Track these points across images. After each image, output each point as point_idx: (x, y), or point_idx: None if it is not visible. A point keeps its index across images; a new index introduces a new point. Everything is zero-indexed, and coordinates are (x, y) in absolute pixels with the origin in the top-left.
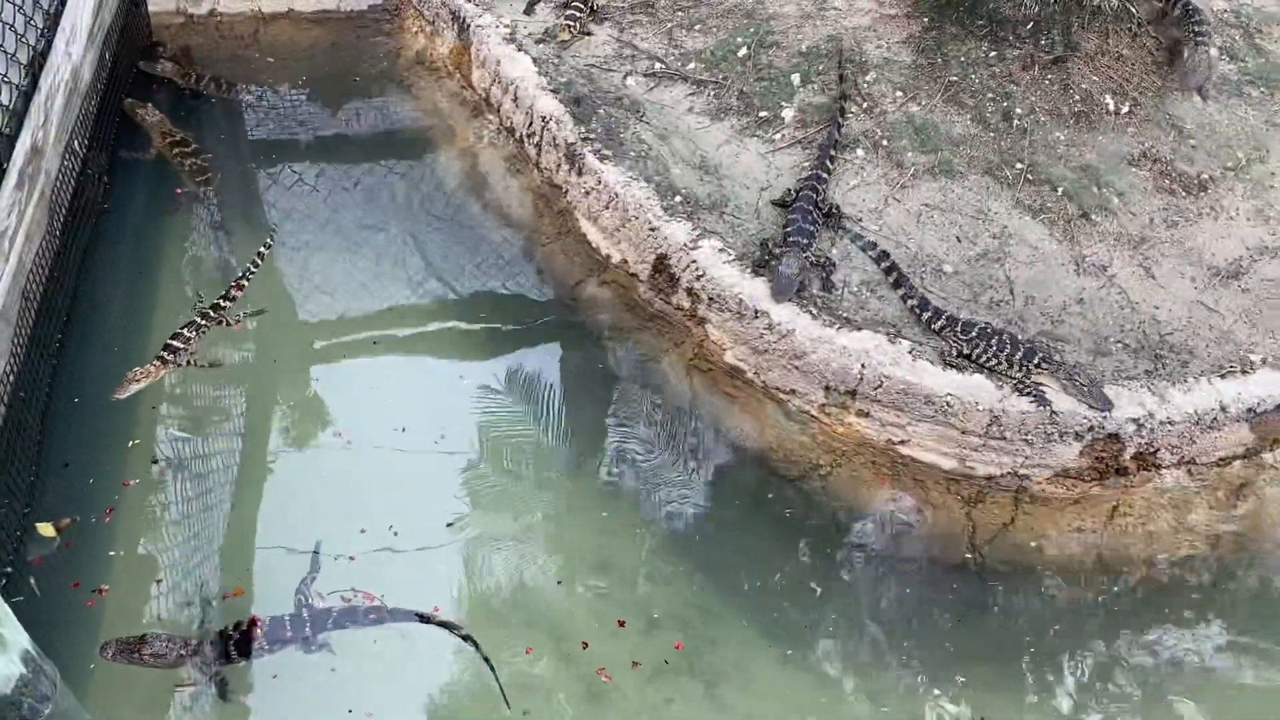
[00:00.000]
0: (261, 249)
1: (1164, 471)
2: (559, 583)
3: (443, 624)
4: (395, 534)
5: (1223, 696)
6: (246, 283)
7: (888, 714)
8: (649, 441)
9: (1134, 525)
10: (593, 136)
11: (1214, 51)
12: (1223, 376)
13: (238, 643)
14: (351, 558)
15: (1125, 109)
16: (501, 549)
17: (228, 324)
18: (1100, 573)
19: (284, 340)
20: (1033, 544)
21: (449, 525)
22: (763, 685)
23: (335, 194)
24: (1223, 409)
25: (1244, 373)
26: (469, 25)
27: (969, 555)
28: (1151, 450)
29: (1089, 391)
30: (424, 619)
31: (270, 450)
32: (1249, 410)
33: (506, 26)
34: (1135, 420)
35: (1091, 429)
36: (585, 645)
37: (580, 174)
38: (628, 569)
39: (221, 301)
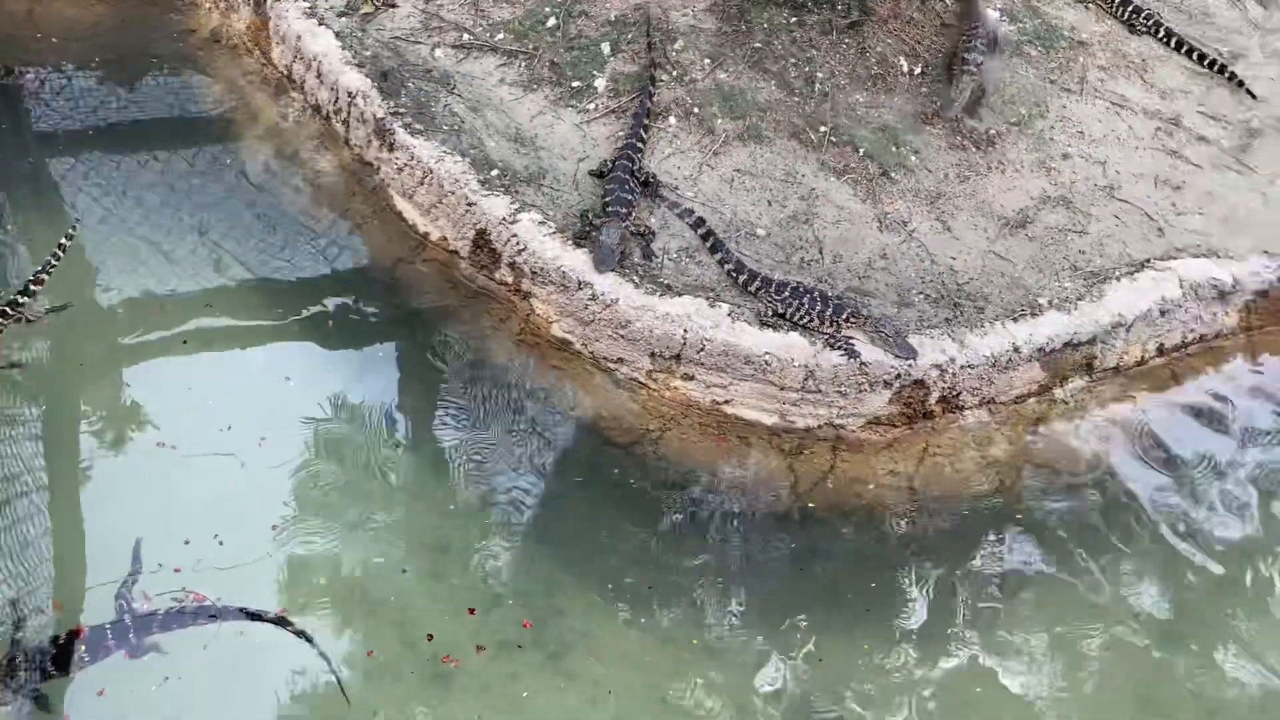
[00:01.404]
0: (63, 240)
1: (967, 412)
2: (403, 570)
3: (276, 621)
4: (221, 543)
5: (1041, 611)
6: (46, 277)
7: (732, 664)
8: (481, 419)
9: (943, 464)
10: (403, 111)
11: (979, 81)
12: (1015, 320)
13: (55, 657)
14: (177, 569)
15: (918, 70)
16: (337, 541)
17: (28, 321)
18: (917, 510)
19: (89, 338)
20: (853, 489)
21: (274, 527)
22: (609, 650)
23: (134, 183)
24: (1016, 350)
25: (1034, 316)
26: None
27: (795, 505)
28: (954, 393)
29: (895, 342)
30: (255, 616)
31: (85, 457)
32: (1039, 350)
33: (306, 0)
34: (938, 366)
35: (899, 377)
36: (430, 637)
37: (392, 150)
38: (469, 550)
39: (20, 298)
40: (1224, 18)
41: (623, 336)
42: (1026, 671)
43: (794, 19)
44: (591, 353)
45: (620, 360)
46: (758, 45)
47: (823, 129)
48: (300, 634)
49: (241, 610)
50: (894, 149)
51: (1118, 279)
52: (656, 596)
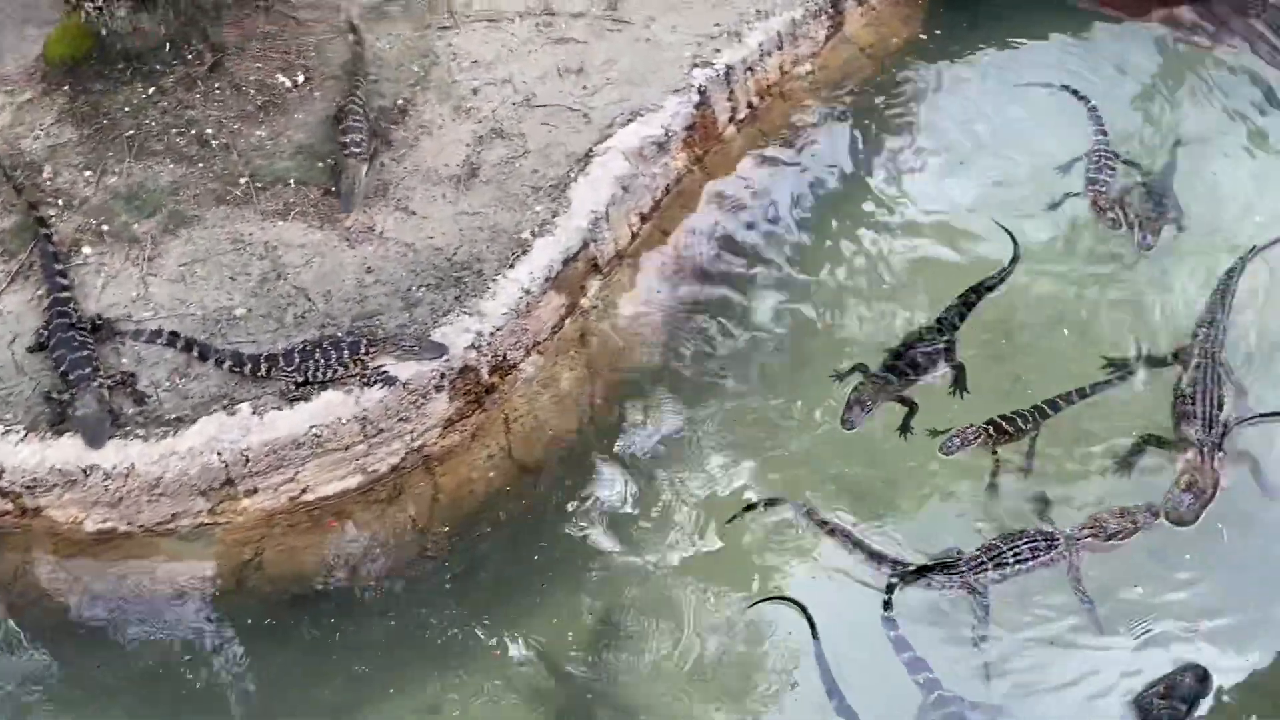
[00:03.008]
0: None
1: (521, 366)
2: None
3: None
4: None
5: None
6: None
7: None
8: (60, 676)
9: (527, 423)
10: None
11: (364, 170)
12: (512, 266)
13: None
14: None
15: (302, 79)
16: None
17: None
18: (530, 478)
19: None
20: (468, 491)
21: None
22: None
23: None
24: (528, 292)
25: (525, 253)
26: None
27: (427, 540)
28: (500, 359)
29: (421, 348)
30: None
31: None
32: (547, 279)
33: None
34: (472, 346)
35: (443, 375)
36: None
37: None
38: None
39: None
40: None
41: (161, 495)
42: None
43: (152, 89)
44: (141, 526)
45: (174, 516)
46: (131, 133)
47: (243, 181)
48: None
49: None
50: (319, 163)
51: (575, 180)
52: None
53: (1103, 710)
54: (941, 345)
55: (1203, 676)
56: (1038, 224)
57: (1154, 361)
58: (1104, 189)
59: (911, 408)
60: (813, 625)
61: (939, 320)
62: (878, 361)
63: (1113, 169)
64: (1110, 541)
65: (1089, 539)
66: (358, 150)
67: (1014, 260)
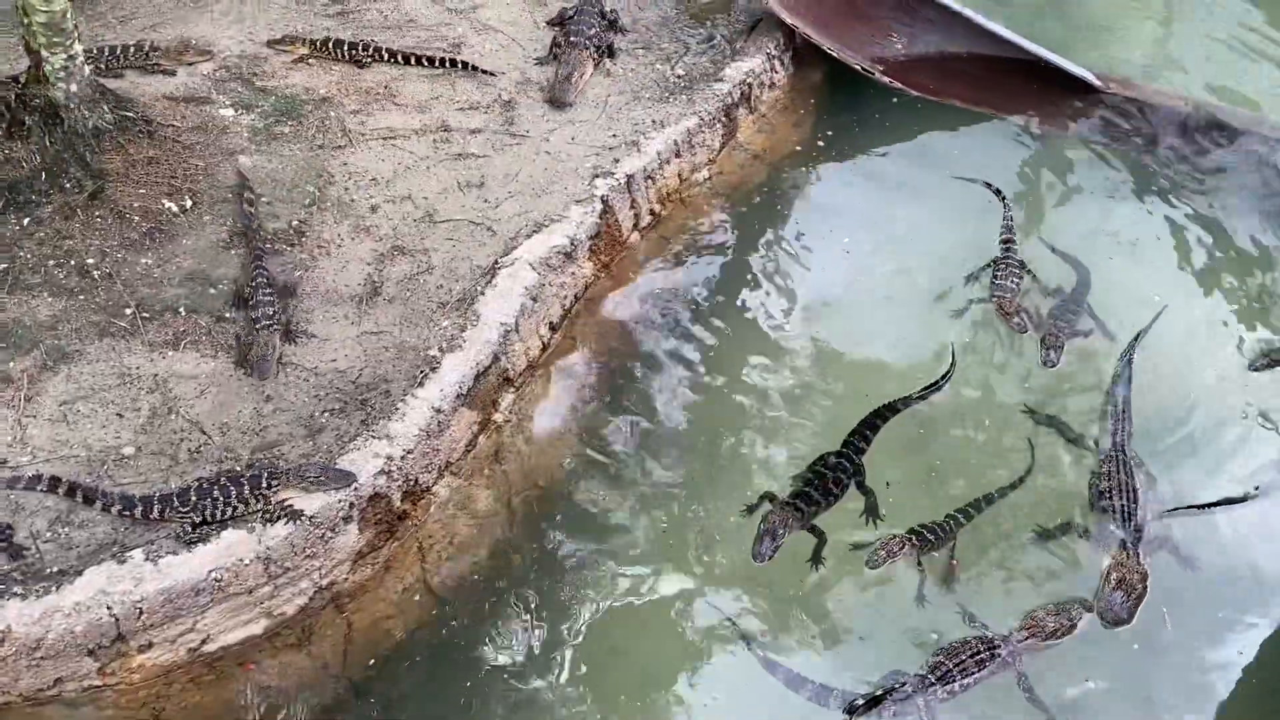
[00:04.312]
0: None
1: (435, 490)
2: None
3: None
4: None
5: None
6: None
7: None
8: None
9: (442, 547)
10: None
11: (277, 339)
12: (421, 385)
13: None
14: None
15: (189, 203)
16: None
17: None
18: (447, 603)
19: None
20: (384, 630)
21: None
22: None
23: None
24: (439, 410)
25: (434, 370)
26: None
27: (343, 681)
28: (412, 482)
29: (326, 477)
30: None
31: None
32: (458, 396)
33: None
34: (382, 471)
35: (351, 505)
36: None
37: None
38: None
39: None
40: (425, 15)
41: (42, 659)
42: None
43: (27, 219)
44: (20, 695)
45: (59, 681)
46: (4, 266)
47: (128, 311)
48: None
49: None
50: (211, 290)
51: (482, 293)
52: None
53: None
54: (850, 470)
55: None
56: (943, 322)
57: (1071, 439)
58: (1009, 295)
59: (821, 538)
60: None
61: (845, 444)
62: (789, 487)
63: (1019, 276)
64: (1049, 641)
65: (1029, 640)
66: (268, 323)
67: (945, 377)
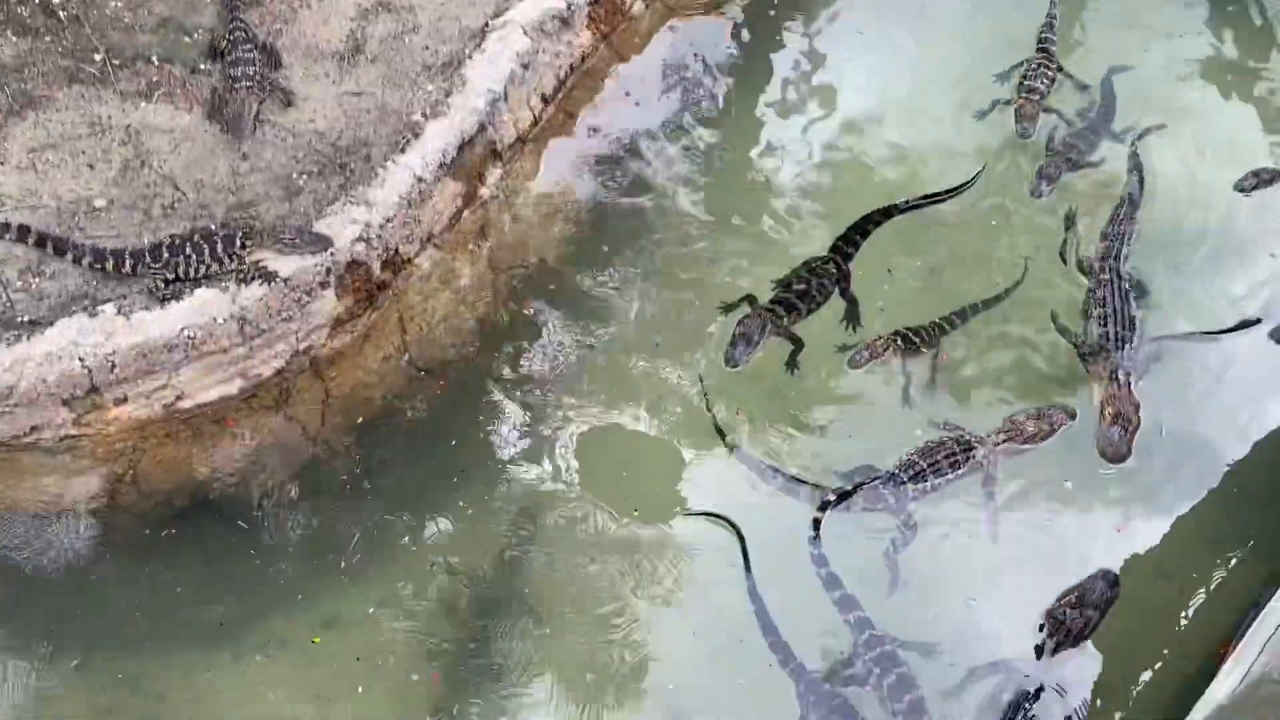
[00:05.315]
0: None
1: (417, 261)
2: None
3: None
4: None
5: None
6: None
7: None
8: None
9: (424, 319)
10: None
11: (255, 102)
12: (403, 151)
13: None
14: None
15: None
16: None
17: None
18: (431, 380)
19: None
20: (363, 396)
21: None
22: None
23: None
24: (421, 180)
25: (417, 136)
26: None
27: (321, 444)
28: (392, 251)
29: (302, 240)
30: None
31: None
32: (441, 165)
33: None
34: (361, 238)
35: (329, 270)
36: None
37: None
38: None
39: None
40: None
41: (16, 405)
42: None
43: None
44: None
45: (34, 429)
46: None
47: (98, 57)
48: None
49: None
50: (186, 37)
51: (470, 57)
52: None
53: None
54: (835, 275)
55: (1113, 581)
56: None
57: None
58: (1036, 98)
59: (797, 344)
60: (746, 553)
61: (833, 248)
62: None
63: (1050, 79)
64: (1028, 444)
65: (1006, 443)
66: (248, 84)
67: (950, 191)
